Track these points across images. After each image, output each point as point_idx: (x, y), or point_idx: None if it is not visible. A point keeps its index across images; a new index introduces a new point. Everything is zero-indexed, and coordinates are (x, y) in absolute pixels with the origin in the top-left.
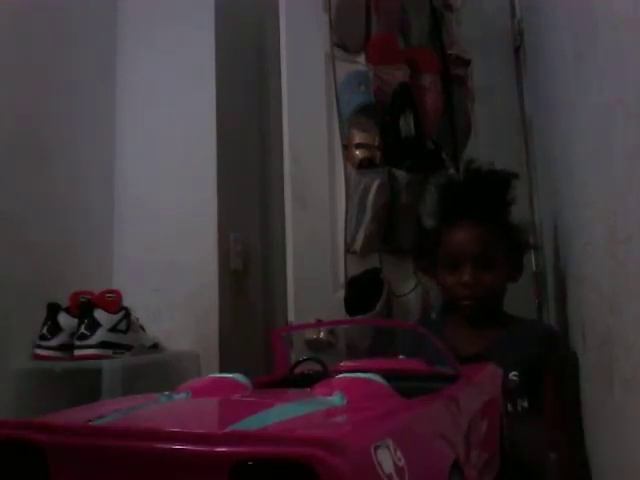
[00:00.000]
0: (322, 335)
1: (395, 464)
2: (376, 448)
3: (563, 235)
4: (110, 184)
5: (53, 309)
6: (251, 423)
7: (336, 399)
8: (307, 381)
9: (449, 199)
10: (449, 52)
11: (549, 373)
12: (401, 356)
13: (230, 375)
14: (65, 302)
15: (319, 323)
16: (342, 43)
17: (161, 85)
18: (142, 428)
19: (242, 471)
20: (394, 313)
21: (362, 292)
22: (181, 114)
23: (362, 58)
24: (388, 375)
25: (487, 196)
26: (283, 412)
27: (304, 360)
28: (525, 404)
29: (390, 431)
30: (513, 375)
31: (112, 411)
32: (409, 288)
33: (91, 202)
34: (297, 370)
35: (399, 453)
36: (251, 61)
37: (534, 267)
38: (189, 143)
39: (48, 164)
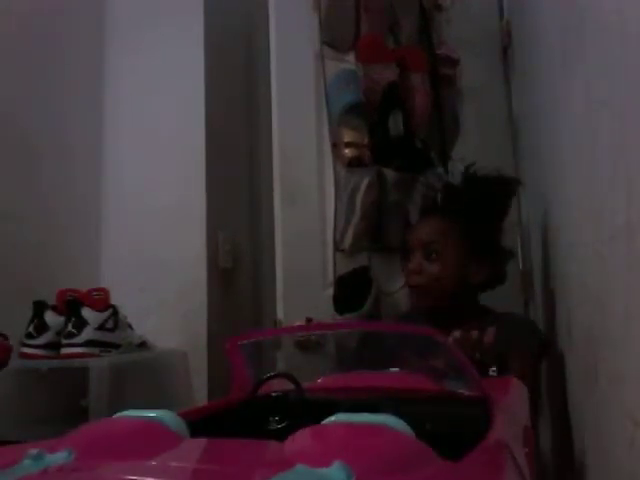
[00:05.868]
0: (312, 335)
1: None
2: None
3: (549, 234)
4: (98, 182)
5: (39, 307)
6: None
7: (334, 473)
8: (274, 406)
9: (447, 200)
10: (438, 52)
11: (518, 354)
12: (394, 368)
13: (149, 414)
14: (52, 300)
15: (286, 329)
16: (332, 42)
17: (150, 84)
18: None
19: None
20: (383, 311)
21: (351, 290)
22: (170, 113)
23: (352, 57)
24: (390, 398)
25: (488, 201)
26: None
27: (270, 377)
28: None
29: None
30: (492, 371)
31: None
32: (398, 286)
33: (78, 200)
34: (262, 389)
35: None
36: (241, 59)
37: (521, 266)
38: (178, 142)
39: (35, 162)
